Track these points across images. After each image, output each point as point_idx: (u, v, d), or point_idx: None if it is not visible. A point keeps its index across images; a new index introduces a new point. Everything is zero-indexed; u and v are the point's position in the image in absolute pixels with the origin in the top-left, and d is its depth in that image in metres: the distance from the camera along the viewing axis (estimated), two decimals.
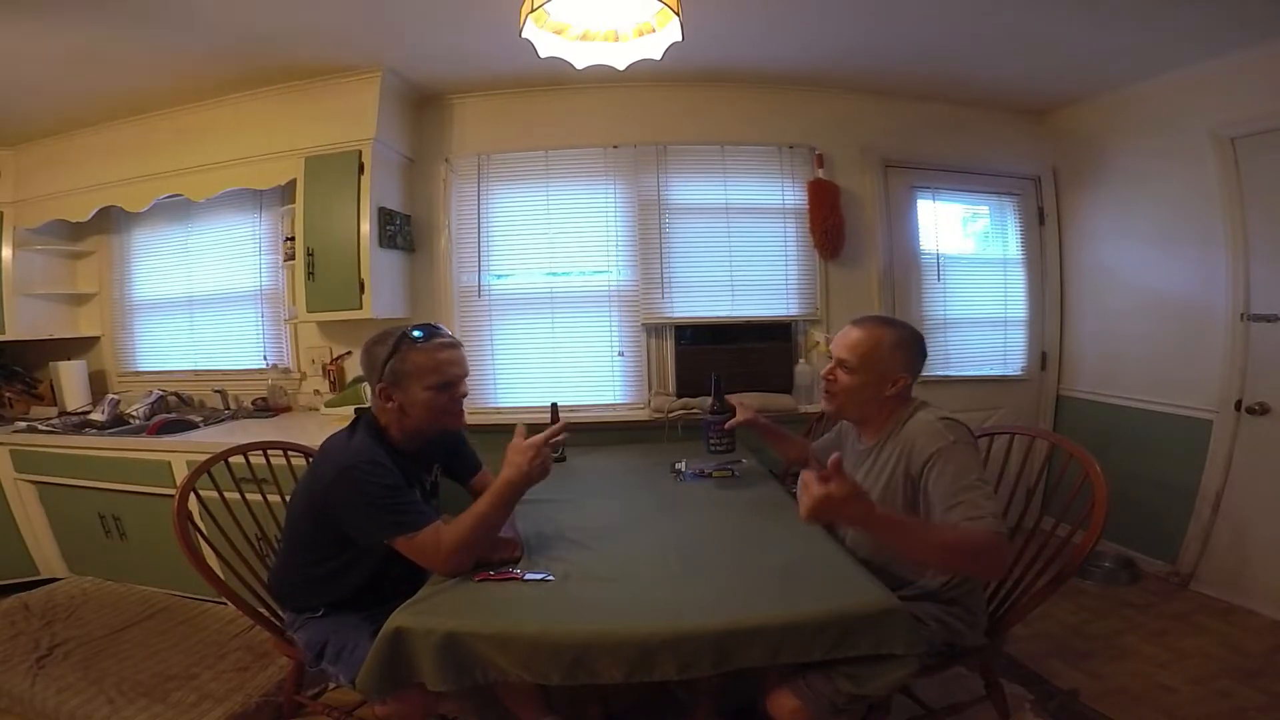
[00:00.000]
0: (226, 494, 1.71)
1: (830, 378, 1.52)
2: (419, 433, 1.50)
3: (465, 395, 1.53)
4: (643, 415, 2.85)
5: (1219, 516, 2.49)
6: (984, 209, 3.28)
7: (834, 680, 1.16)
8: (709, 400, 2.17)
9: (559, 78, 2.68)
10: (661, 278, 2.89)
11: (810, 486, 1.12)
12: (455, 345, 1.51)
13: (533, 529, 1.64)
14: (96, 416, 2.79)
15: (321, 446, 1.51)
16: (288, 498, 1.64)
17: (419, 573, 1.55)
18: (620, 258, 2.91)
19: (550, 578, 1.33)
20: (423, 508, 1.40)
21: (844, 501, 1.11)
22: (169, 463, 2.41)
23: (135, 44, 2.24)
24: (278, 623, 1.56)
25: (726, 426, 2.06)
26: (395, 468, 1.40)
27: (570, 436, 2.40)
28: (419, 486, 1.54)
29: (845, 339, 1.51)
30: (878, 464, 1.45)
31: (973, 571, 1.36)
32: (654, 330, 2.92)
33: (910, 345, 1.49)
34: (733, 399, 2.14)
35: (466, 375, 1.53)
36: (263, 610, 1.55)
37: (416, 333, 1.45)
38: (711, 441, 2.15)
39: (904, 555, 1.31)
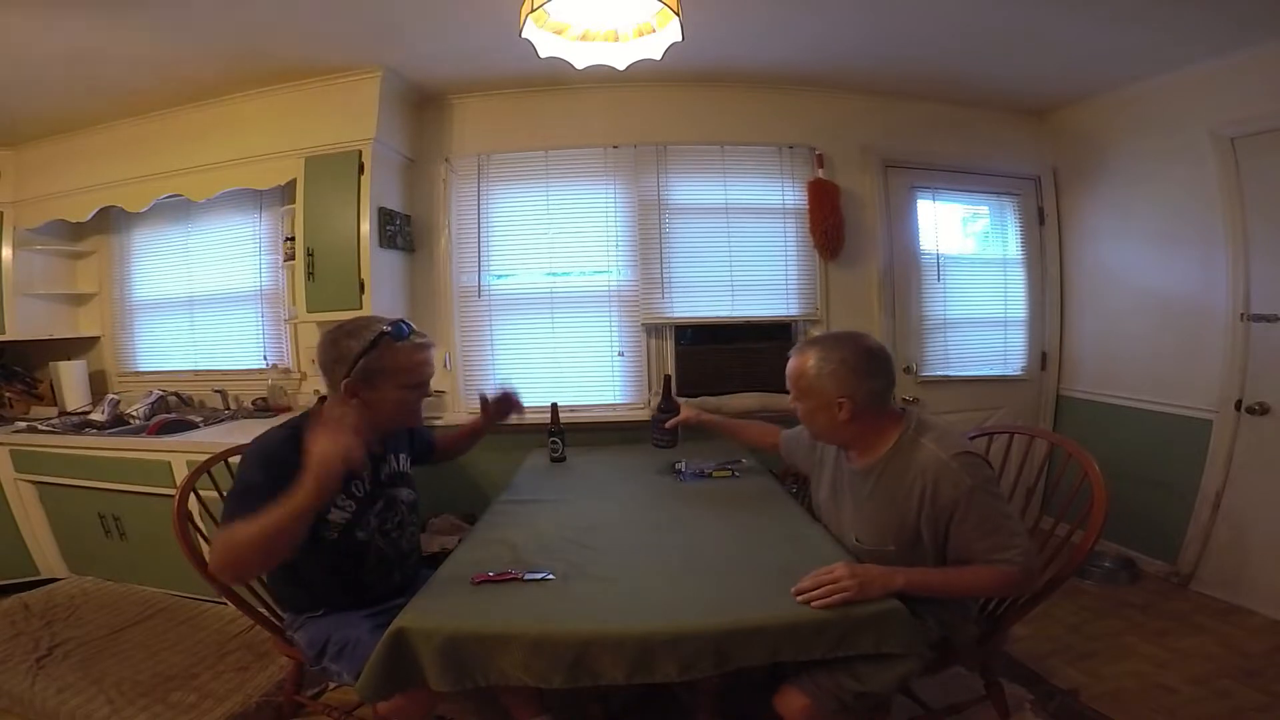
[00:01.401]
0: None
1: (793, 407, 1.49)
2: (375, 430, 1.45)
3: (429, 395, 1.55)
4: (643, 415, 2.83)
5: (1219, 516, 2.49)
6: (984, 209, 3.28)
7: (838, 677, 1.17)
8: (711, 399, 2.17)
9: (559, 78, 2.67)
10: (661, 278, 2.88)
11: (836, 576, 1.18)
12: (430, 345, 1.51)
13: (532, 529, 1.64)
14: (96, 416, 2.79)
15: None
16: None
17: (398, 563, 1.56)
18: (620, 258, 2.91)
19: (550, 577, 1.33)
20: (253, 509, 1.16)
21: (866, 568, 1.22)
22: (169, 463, 2.41)
23: (136, 44, 2.24)
24: (278, 623, 1.56)
25: (666, 425, 2.12)
26: (285, 464, 1.23)
27: (570, 436, 2.42)
28: (368, 475, 1.48)
29: (787, 369, 1.47)
30: (877, 492, 1.38)
31: (998, 596, 1.49)
32: (654, 330, 2.92)
33: (847, 364, 1.36)
34: (717, 403, 2.12)
35: (433, 374, 1.55)
36: (263, 610, 1.56)
37: (387, 329, 1.41)
38: (655, 437, 2.20)
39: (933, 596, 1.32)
